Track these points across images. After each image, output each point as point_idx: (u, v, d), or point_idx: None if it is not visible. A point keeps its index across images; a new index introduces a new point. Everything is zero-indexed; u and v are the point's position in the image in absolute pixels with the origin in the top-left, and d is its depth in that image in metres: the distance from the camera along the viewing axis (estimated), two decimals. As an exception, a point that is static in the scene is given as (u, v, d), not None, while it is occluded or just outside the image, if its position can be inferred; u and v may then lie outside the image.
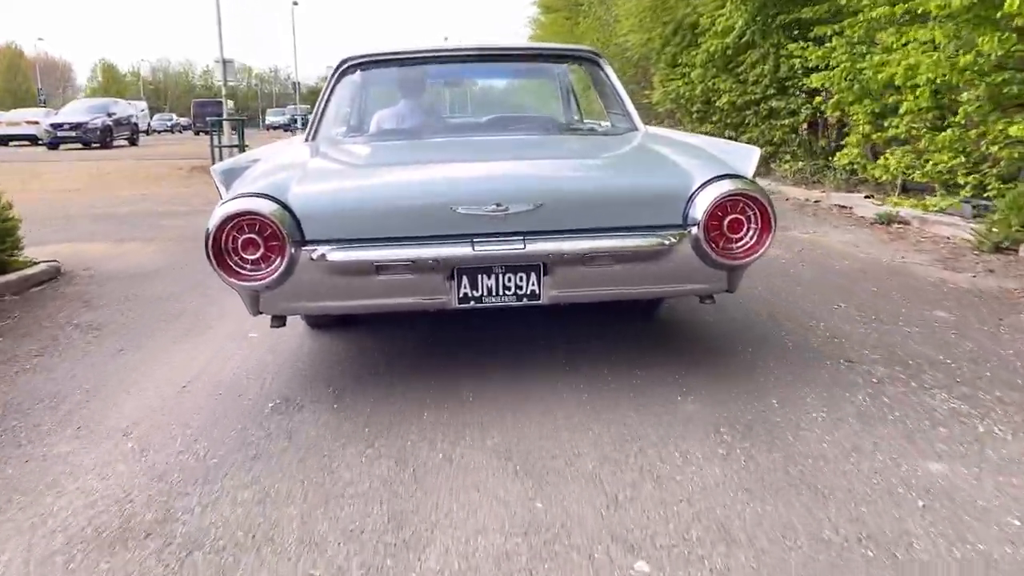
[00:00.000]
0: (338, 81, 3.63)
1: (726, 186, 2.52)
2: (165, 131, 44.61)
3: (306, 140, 3.47)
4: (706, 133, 10.54)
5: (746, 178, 2.60)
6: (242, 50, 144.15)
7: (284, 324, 2.79)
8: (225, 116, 14.49)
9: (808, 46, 7.50)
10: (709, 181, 2.55)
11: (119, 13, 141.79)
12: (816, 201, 7.82)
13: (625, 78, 15.71)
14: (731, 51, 9.31)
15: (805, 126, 9.00)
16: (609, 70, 3.81)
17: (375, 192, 2.70)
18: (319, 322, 3.48)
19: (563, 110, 4.43)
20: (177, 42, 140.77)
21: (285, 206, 2.43)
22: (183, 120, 47.19)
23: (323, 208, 2.52)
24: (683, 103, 11.24)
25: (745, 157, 2.80)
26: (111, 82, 71.57)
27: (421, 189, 2.68)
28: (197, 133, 40.14)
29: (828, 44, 7.04)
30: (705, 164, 2.69)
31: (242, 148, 14.31)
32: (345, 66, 3.65)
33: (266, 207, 2.41)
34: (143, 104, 38.17)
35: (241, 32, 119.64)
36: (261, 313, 2.61)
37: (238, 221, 2.40)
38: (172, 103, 67.00)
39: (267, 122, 46.34)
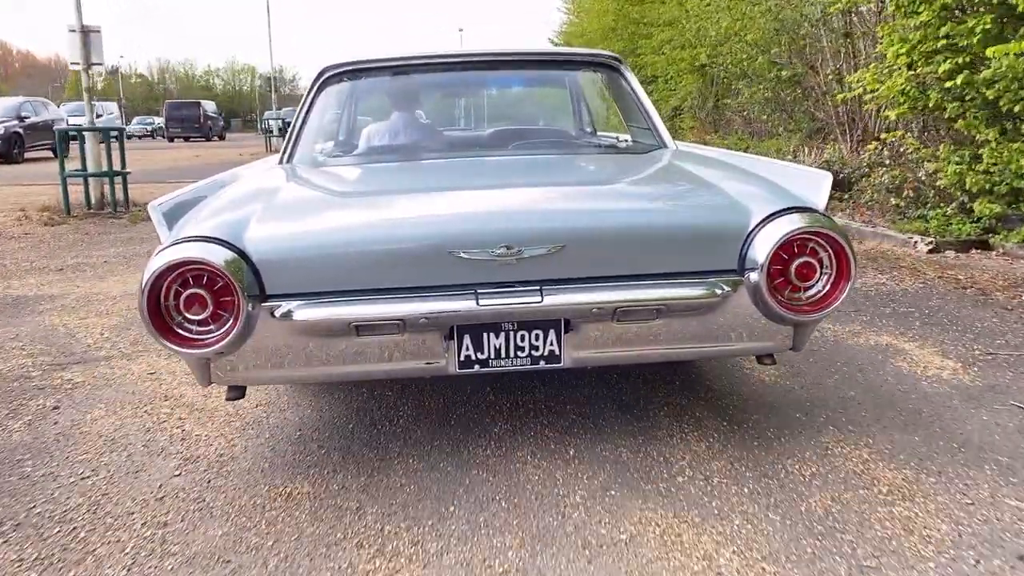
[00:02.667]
0: (318, 93, 3.19)
1: (794, 222, 2.08)
2: (146, 136, 39.32)
3: (280, 163, 3.04)
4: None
5: (819, 212, 2.14)
6: (250, 51, 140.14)
7: (242, 396, 2.32)
8: (90, 123, 8.46)
9: None
10: (772, 215, 2.11)
11: (118, 10, 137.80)
12: None
13: (770, 55, 9.68)
14: None
15: None
16: (631, 76, 3.29)
17: (353, 233, 2.17)
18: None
19: (578, 123, 3.87)
20: (179, 40, 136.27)
21: (240, 252, 1.99)
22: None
23: (287, 254, 2.06)
24: (1000, 98, 5.01)
25: (813, 184, 2.26)
26: (107, 82, 66.70)
27: (412, 229, 2.17)
28: (171, 139, 35.23)
29: None
30: (766, 194, 2.25)
31: (114, 176, 8.30)
32: (326, 76, 3.21)
33: (215, 255, 1.95)
34: (112, 106, 32.63)
35: (252, 33, 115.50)
36: (212, 384, 2.15)
37: (180, 272, 1.96)
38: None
39: (263, 124, 41.43)
